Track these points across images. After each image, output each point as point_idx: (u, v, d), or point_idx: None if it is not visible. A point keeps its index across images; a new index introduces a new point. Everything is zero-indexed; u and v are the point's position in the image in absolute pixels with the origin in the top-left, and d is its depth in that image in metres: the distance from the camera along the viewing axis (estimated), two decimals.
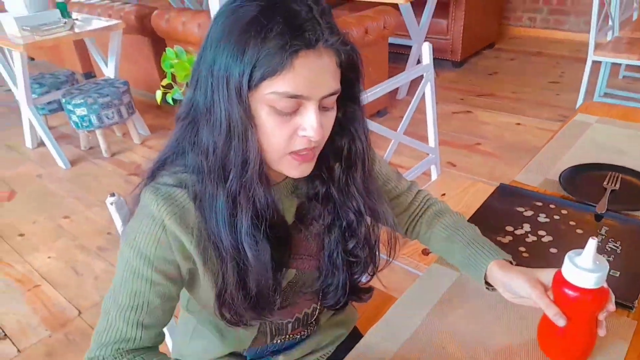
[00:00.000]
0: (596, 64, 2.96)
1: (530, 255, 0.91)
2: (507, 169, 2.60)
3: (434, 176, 1.82)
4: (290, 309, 0.84)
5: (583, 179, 1.13)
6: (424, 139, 1.73)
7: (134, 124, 3.32)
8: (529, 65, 4.18)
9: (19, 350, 1.82)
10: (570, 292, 0.65)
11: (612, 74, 3.29)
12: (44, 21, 2.88)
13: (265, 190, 0.64)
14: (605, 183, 1.10)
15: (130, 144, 3.36)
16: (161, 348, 0.76)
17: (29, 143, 3.36)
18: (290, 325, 0.88)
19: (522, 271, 0.74)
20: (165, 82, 2.30)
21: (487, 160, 2.80)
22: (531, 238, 0.96)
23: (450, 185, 1.72)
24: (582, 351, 0.70)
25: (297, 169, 0.67)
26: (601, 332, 0.68)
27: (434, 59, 1.64)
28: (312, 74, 0.60)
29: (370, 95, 1.41)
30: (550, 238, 0.95)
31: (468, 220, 0.93)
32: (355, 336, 0.93)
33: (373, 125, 1.47)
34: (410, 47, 3.62)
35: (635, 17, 3.43)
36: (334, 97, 0.65)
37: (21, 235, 2.51)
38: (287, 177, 0.74)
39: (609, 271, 0.85)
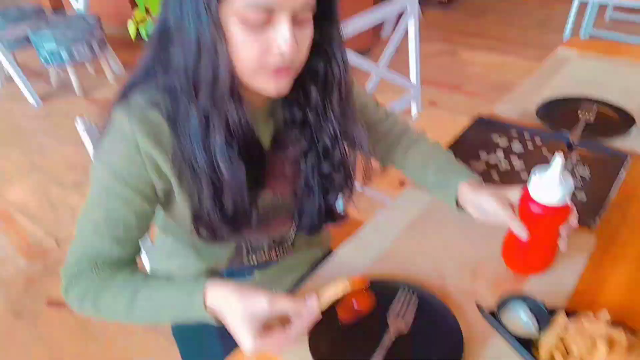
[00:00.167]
0: (583, 5, 2.91)
1: (502, 181, 0.93)
2: (491, 109, 2.60)
3: (414, 113, 1.81)
4: (265, 229, 0.85)
5: (559, 111, 1.14)
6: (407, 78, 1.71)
7: (107, 61, 3.19)
8: (517, 6, 4.09)
9: None
10: (533, 207, 0.66)
11: (599, 15, 3.25)
12: None
13: (237, 107, 0.63)
14: (580, 114, 1.11)
15: (104, 81, 3.25)
16: None
17: None
18: (266, 245, 0.89)
19: (491, 190, 0.75)
20: (138, 14, 2.18)
21: (471, 100, 2.79)
22: (504, 165, 0.98)
23: (430, 122, 1.72)
24: (542, 264, 0.73)
25: (272, 86, 0.65)
26: (562, 246, 0.71)
27: None
28: None
29: (353, 28, 1.36)
30: (523, 165, 0.97)
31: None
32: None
33: (354, 59, 1.44)
34: None
35: None
36: (309, 13, 0.63)
37: None
38: (265, 100, 0.73)
39: (575, 195, 0.88)
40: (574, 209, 0.69)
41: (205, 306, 0.61)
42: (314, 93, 0.71)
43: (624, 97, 1.18)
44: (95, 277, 0.68)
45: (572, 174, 0.94)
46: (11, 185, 2.34)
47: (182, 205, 0.72)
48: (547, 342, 0.61)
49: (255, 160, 0.71)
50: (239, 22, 0.59)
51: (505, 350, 0.63)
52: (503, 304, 0.66)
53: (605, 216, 0.84)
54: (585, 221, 0.80)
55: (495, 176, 0.95)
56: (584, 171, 0.94)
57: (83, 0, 3.14)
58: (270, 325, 0.59)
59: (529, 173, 0.95)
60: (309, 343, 0.64)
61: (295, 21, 0.61)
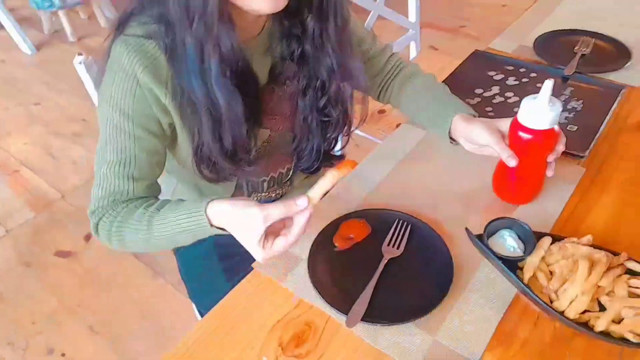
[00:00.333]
0: None
1: (495, 114, 0.94)
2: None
3: (412, 54, 1.78)
4: (265, 167, 0.87)
5: (556, 44, 1.13)
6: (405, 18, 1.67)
7: (99, 5, 3.09)
8: None
9: (7, 231, 1.89)
10: (522, 134, 0.68)
11: None
12: None
13: (229, 32, 0.63)
14: (576, 47, 1.10)
15: (97, 27, 3.17)
16: None
17: None
18: (265, 184, 0.92)
19: (483, 121, 0.77)
20: None
21: (471, 43, 2.74)
22: (498, 99, 0.98)
23: (429, 63, 1.69)
24: (531, 193, 0.76)
25: (268, 1, 0.62)
26: (549, 172, 0.73)
27: None
28: None
29: None
30: (517, 98, 0.98)
31: None
32: None
33: None
34: None
35: None
36: None
37: None
38: (261, 31, 0.72)
39: (567, 127, 0.89)
40: (562, 134, 0.71)
41: (212, 225, 0.64)
42: (310, 22, 0.71)
43: (622, 30, 1.16)
44: (117, 214, 0.71)
45: (565, 106, 0.95)
46: (11, 138, 2.35)
47: (184, 143, 0.74)
48: (531, 263, 0.64)
49: (252, 94, 0.71)
50: None
51: (492, 274, 0.67)
52: (491, 229, 0.69)
53: (595, 148, 0.86)
54: (575, 152, 0.82)
55: (489, 109, 0.96)
56: (577, 104, 0.95)
57: None
58: (274, 229, 0.62)
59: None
60: (308, 269, 0.68)
61: None
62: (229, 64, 0.65)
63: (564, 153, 0.74)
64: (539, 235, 0.67)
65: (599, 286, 0.61)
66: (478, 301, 0.64)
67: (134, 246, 0.73)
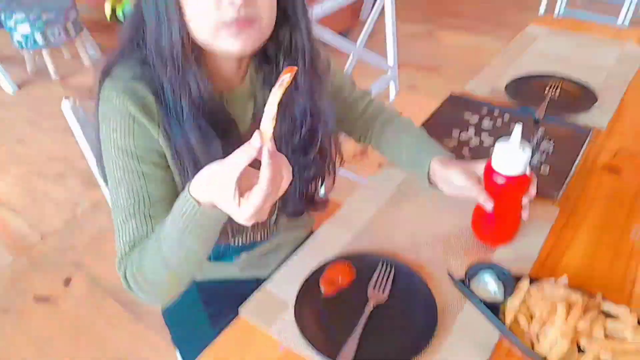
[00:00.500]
0: None
1: (472, 157, 0.98)
2: (463, 87, 2.66)
3: (392, 94, 1.84)
4: None
5: (527, 88, 1.19)
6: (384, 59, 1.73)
7: (83, 44, 3.13)
8: None
9: None
10: (496, 178, 0.72)
11: None
12: None
13: (197, 75, 0.65)
14: (546, 91, 1.16)
15: (80, 66, 3.19)
16: None
17: None
18: (249, 227, 0.92)
19: (459, 164, 0.80)
20: None
21: (449, 83, 2.84)
22: (474, 142, 1.02)
23: (408, 105, 1.75)
24: (508, 234, 0.79)
25: (235, 43, 0.65)
26: (524, 215, 0.76)
27: None
28: None
29: (331, 5, 1.39)
30: (492, 140, 1.02)
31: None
32: None
33: (331, 39, 1.46)
34: None
35: None
36: None
37: None
38: (242, 80, 0.75)
39: (539, 168, 0.93)
40: (534, 178, 0.74)
41: (204, 208, 0.59)
42: (282, 65, 0.73)
43: (588, 73, 1.23)
44: (135, 254, 0.69)
45: (537, 148, 0.99)
46: None
47: (172, 184, 0.73)
48: (512, 306, 0.66)
49: (233, 139, 0.71)
50: None
51: (475, 316, 0.68)
52: (472, 272, 0.71)
53: (567, 189, 0.90)
54: (548, 193, 0.86)
55: (466, 152, 1.00)
56: (549, 145, 1.00)
57: None
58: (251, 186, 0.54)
59: None
60: (295, 315, 0.68)
61: None
62: (200, 107, 0.67)
63: (538, 194, 0.77)
64: (519, 277, 0.69)
65: (577, 329, 0.62)
66: (463, 346, 0.65)
67: (157, 277, 0.68)
